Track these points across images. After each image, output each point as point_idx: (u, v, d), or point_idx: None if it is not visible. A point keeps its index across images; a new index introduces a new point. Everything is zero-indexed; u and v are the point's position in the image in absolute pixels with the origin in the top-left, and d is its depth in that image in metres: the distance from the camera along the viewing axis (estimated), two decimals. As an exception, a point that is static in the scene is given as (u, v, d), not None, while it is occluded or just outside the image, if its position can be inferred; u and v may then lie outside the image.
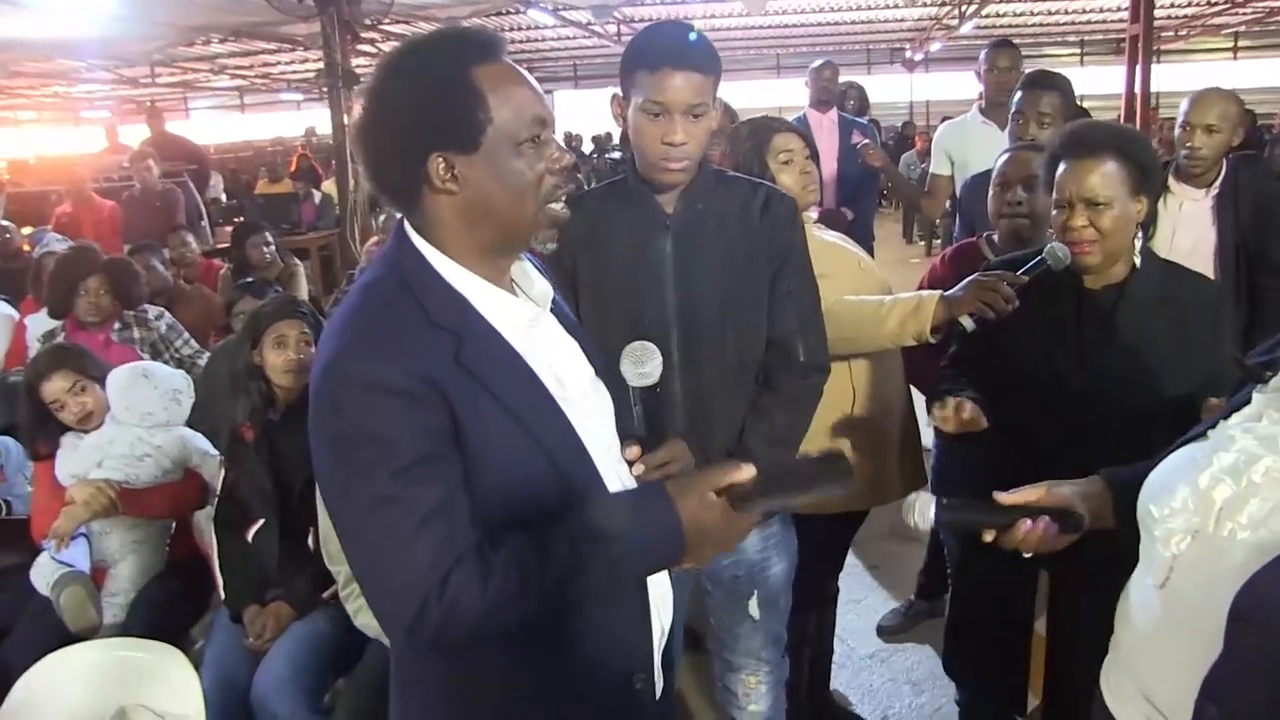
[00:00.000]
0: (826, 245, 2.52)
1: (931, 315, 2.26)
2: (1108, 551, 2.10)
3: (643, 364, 1.60)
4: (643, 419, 1.58)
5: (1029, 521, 1.52)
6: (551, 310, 1.47)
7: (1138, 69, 7.11)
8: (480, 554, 1.20)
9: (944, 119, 15.06)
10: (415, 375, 1.20)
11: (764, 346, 2.03)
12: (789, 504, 1.30)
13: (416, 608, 1.18)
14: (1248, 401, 1.29)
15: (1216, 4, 14.38)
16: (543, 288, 1.45)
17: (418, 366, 1.21)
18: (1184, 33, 16.30)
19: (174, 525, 3.13)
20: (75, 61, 12.01)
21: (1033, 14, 15.13)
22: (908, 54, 19.64)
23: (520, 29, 14.34)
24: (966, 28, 14.19)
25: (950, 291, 2.26)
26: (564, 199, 1.37)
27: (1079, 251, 2.06)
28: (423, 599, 1.18)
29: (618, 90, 1.97)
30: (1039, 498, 1.56)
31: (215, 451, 3.09)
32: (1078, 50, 18.36)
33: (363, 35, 8.40)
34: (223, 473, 2.87)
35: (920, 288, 2.76)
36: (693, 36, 1.89)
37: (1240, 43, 19.20)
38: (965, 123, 4.36)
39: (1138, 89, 7.13)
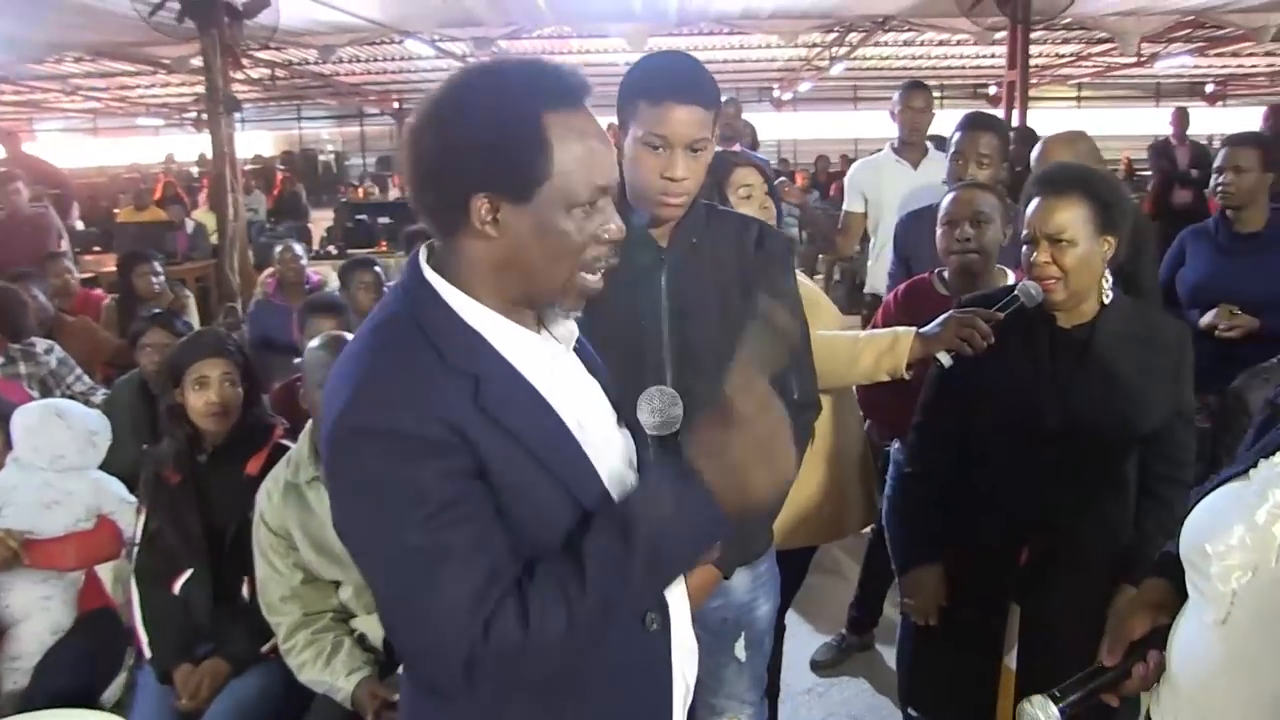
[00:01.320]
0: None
1: (908, 351, 2.26)
2: (1080, 585, 2.16)
3: (661, 413, 1.51)
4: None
5: (1142, 666, 1.44)
6: (575, 349, 1.40)
7: (1015, 111, 7.44)
8: (520, 591, 1.14)
9: (818, 157, 15.45)
10: (434, 420, 1.14)
11: None
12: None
13: (464, 659, 1.11)
14: None
15: (1065, 56, 15.21)
16: (568, 327, 1.36)
17: (436, 411, 1.14)
18: (1035, 81, 17.18)
19: (82, 578, 2.88)
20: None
21: (898, 58, 15.67)
22: (776, 93, 20.11)
23: (396, 59, 14.10)
24: (836, 69, 14.60)
25: (926, 328, 2.27)
26: (602, 272, 1.28)
27: (1044, 287, 2.10)
28: (469, 646, 1.11)
29: (614, 120, 1.91)
30: (1129, 633, 1.48)
31: (131, 497, 2.87)
32: (938, 93, 19.19)
33: (244, 58, 8.09)
34: (141, 520, 2.66)
35: (874, 326, 2.78)
36: (697, 69, 1.85)
37: (1083, 93, 20.38)
38: (878, 161, 4.45)
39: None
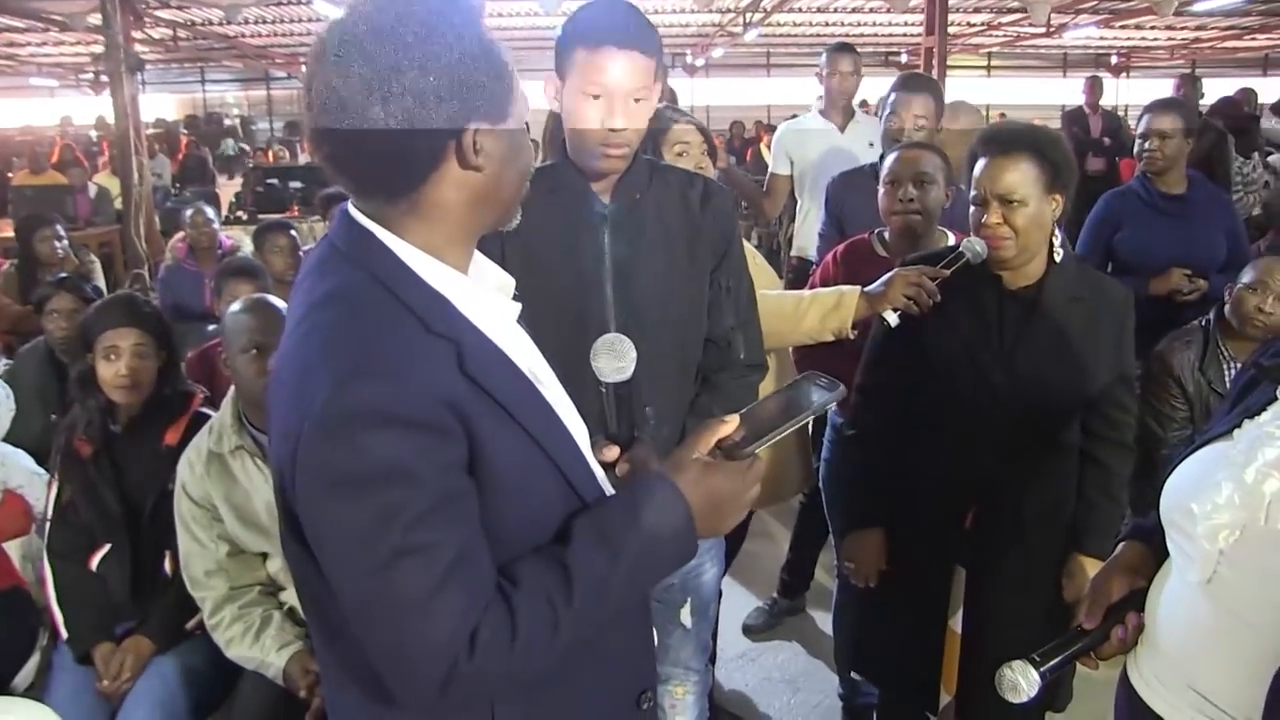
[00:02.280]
0: None
1: (853, 311, 2.25)
2: (1026, 547, 2.18)
3: (621, 357, 1.46)
4: (620, 415, 1.45)
5: (1121, 629, 1.44)
6: None
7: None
8: (505, 598, 1.06)
9: (733, 122, 15.46)
10: (433, 399, 1.05)
11: (703, 343, 1.95)
12: (786, 432, 1.23)
13: (445, 670, 1.03)
14: (1271, 400, 1.32)
15: (975, 25, 15.44)
16: (500, 278, 1.29)
17: (433, 387, 1.06)
18: (947, 50, 17.43)
19: (-11, 556, 2.74)
20: None
21: (811, 24, 15.74)
22: (689, 59, 20.05)
23: (304, 20, 13.69)
24: (750, 35, 14.60)
25: (871, 286, 2.26)
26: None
27: (994, 246, 2.09)
28: (452, 660, 1.03)
29: (552, 70, 1.84)
30: (1106, 596, 1.48)
31: (40, 470, 2.73)
32: (850, 62, 19.36)
33: (145, 17, 7.76)
34: (53, 494, 2.53)
35: (813, 287, 2.76)
36: (636, 16, 1.79)
37: (993, 62, 20.73)
38: (804, 124, 4.43)
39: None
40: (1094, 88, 7.85)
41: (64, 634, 2.43)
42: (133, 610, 2.45)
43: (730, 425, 1.21)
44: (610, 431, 1.43)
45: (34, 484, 2.71)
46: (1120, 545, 1.56)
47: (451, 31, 1.09)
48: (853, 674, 2.97)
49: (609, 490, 1.30)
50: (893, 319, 2.19)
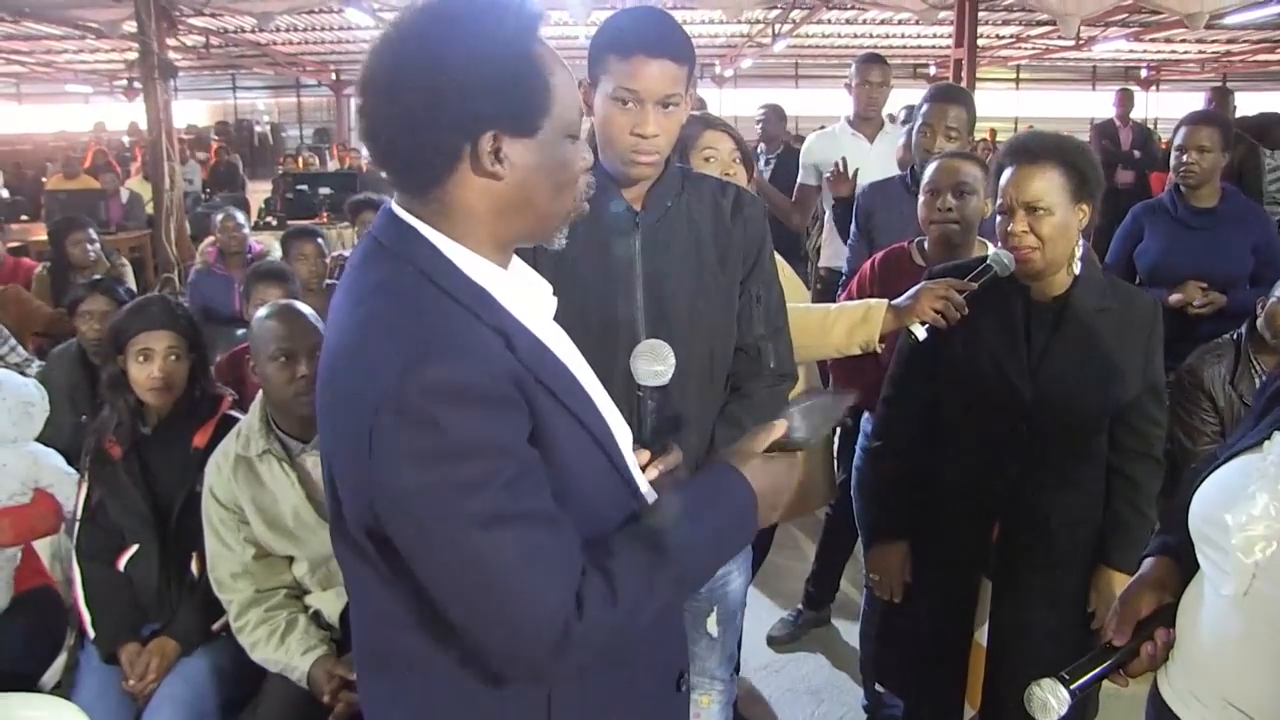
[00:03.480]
0: None
1: (881, 324, 2.24)
2: (1052, 560, 2.16)
3: (660, 361, 1.48)
4: (657, 421, 1.46)
5: (1151, 645, 1.43)
6: None
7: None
8: (600, 560, 1.10)
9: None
10: (499, 374, 1.07)
11: (734, 351, 1.95)
12: (820, 435, 1.36)
13: (558, 634, 1.05)
14: None
15: (1004, 38, 15.39)
16: (535, 279, 1.31)
17: (496, 365, 1.08)
18: (976, 62, 17.38)
19: (18, 555, 2.76)
20: None
21: (840, 36, 15.73)
22: (717, 70, 20.08)
23: (335, 29, 13.82)
24: (779, 46, 14.61)
25: (899, 300, 2.24)
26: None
27: (1020, 257, 2.08)
28: (564, 622, 1.05)
29: (584, 77, 1.85)
30: (1135, 612, 1.47)
31: (71, 470, 2.75)
32: (879, 73, 19.34)
33: (178, 24, 7.84)
34: (83, 494, 2.55)
35: (849, 295, 2.75)
36: (669, 22, 1.79)
37: (1022, 75, 20.65)
38: (834, 135, 4.43)
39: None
40: (1125, 100, 7.80)
41: (91, 633, 2.45)
42: (159, 611, 2.47)
43: (780, 429, 1.29)
44: (643, 437, 1.44)
45: (64, 483, 2.72)
46: (1147, 561, 1.55)
47: (479, 40, 1.10)
48: (877, 686, 2.95)
49: (647, 488, 1.33)
50: (920, 332, 2.18)
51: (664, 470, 1.48)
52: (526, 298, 1.23)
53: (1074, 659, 1.43)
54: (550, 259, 1.87)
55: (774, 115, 6.15)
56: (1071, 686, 1.36)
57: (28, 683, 2.56)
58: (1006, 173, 2.10)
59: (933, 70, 17.86)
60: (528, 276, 1.29)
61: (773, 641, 3.61)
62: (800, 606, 3.70)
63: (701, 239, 1.90)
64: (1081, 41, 13.85)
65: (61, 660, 2.72)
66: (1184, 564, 1.43)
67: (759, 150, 5.77)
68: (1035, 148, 2.10)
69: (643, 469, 1.40)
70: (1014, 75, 20.61)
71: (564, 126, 1.17)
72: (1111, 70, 20.13)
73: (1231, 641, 1.29)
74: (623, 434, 1.32)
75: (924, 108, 3.18)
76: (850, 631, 3.47)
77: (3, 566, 2.68)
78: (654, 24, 1.77)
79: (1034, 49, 16.34)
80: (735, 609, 2.13)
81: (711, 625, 2.09)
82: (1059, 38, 13.40)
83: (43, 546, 2.89)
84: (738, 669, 2.93)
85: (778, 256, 2.64)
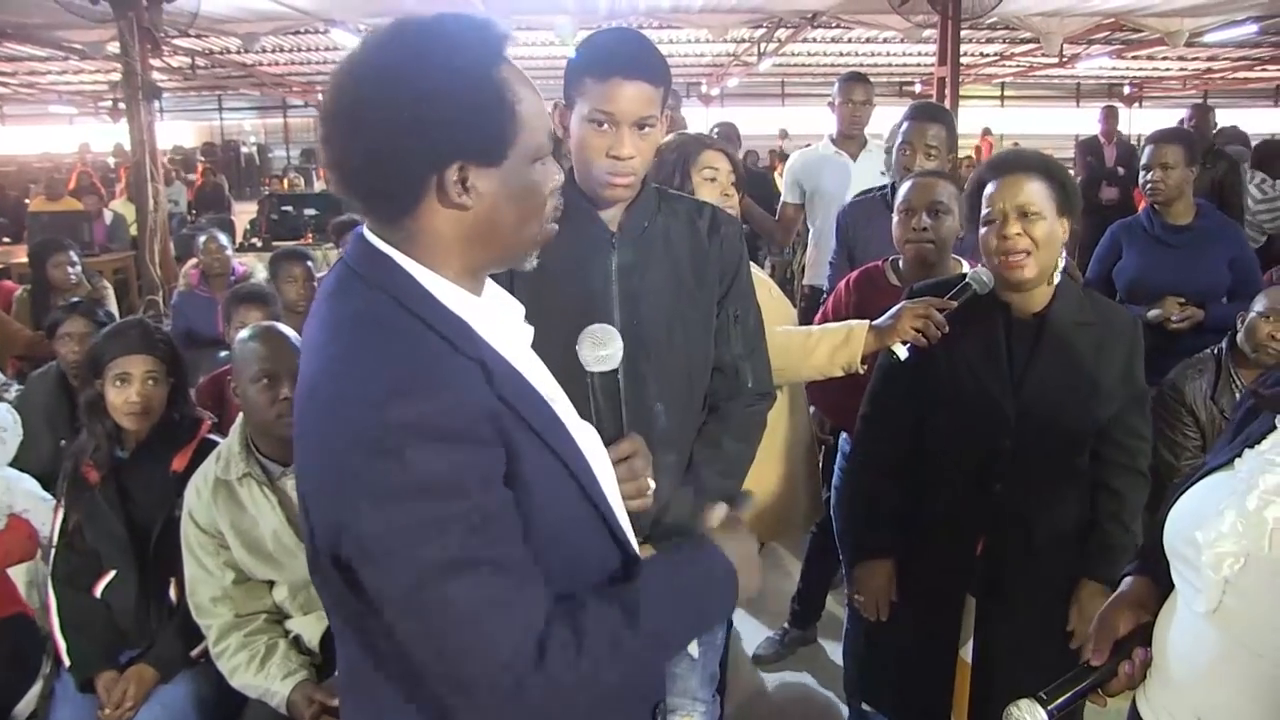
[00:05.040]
0: None
1: (863, 345, 2.23)
2: (1037, 577, 2.15)
3: (604, 345, 1.46)
4: (604, 408, 1.45)
5: (1129, 664, 1.43)
6: None
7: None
8: (570, 613, 1.07)
9: (746, 152, 15.52)
10: (473, 412, 1.05)
11: (711, 371, 1.94)
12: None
13: (511, 684, 1.02)
14: (1271, 429, 1.31)
15: (989, 56, 15.49)
16: (509, 304, 1.29)
17: (471, 401, 1.05)
18: (960, 80, 17.50)
19: (-7, 581, 2.73)
20: None
21: (826, 55, 15.80)
22: (704, 89, 20.14)
23: (321, 49, 13.82)
24: (765, 65, 14.66)
25: (880, 320, 2.24)
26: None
27: (1013, 264, 2.06)
28: (518, 675, 1.02)
29: (560, 98, 1.84)
30: (1113, 631, 1.47)
31: (47, 495, 2.72)
32: (863, 91, 19.47)
33: (163, 45, 7.83)
34: (59, 519, 2.52)
35: (825, 315, 2.75)
36: (645, 45, 1.79)
37: (1007, 92, 20.80)
38: (817, 153, 4.44)
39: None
40: (1109, 117, 7.84)
41: (66, 661, 2.41)
42: (137, 637, 2.44)
43: (723, 510, 1.35)
44: (596, 424, 1.42)
45: (39, 509, 2.70)
46: (1126, 580, 1.55)
47: (442, 70, 1.08)
48: (863, 704, 2.93)
49: (628, 526, 1.32)
50: (902, 352, 2.17)
51: (619, 458, 1.47)
52: (503, 326, 1.21)
53: (1061, 675, 1.43)
54: (527, 281, 1.85)
55: (727, 135, 6.12)
56: (1049, 707, 1.36)
57: (2, 713, 2.53)
58: (991, 185, 2.10)
59: (918, 89, 17.93)
60: (502, 300, 1.28)
61: (759, 660, 3.60)
62: (786, 625, 3.68)
63: (678, 259, 1.89)
64: (1065, 59, 13.95)
65: (37, 689, 2.68)
66: (1162, 582, 1.43)
67: None
68: (1020, 161, 2.12)
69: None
70: (999, 93, 20.76)
71: (531, 151, 1.15)
72: (1095, 87, 20.29)
73: (1204, 658, 1.29)
74: (604, 470, 1.30)
75: (904, 125, 3.20)
76: (837, 650, 3.44)
77: (-24, 593, 2.65)
78: (630, 46, 1.77)
79: (1018, 66, 16.47)
80: (716, 630, 2.11)
81: (693, 646, 2.07)
82: (1043, 55, 13.49)
83: (18, 573, 2.86)
84: (722, 689, 2.92)
85: (764, 276, 2.65)
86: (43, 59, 13.06)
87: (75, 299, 3.86)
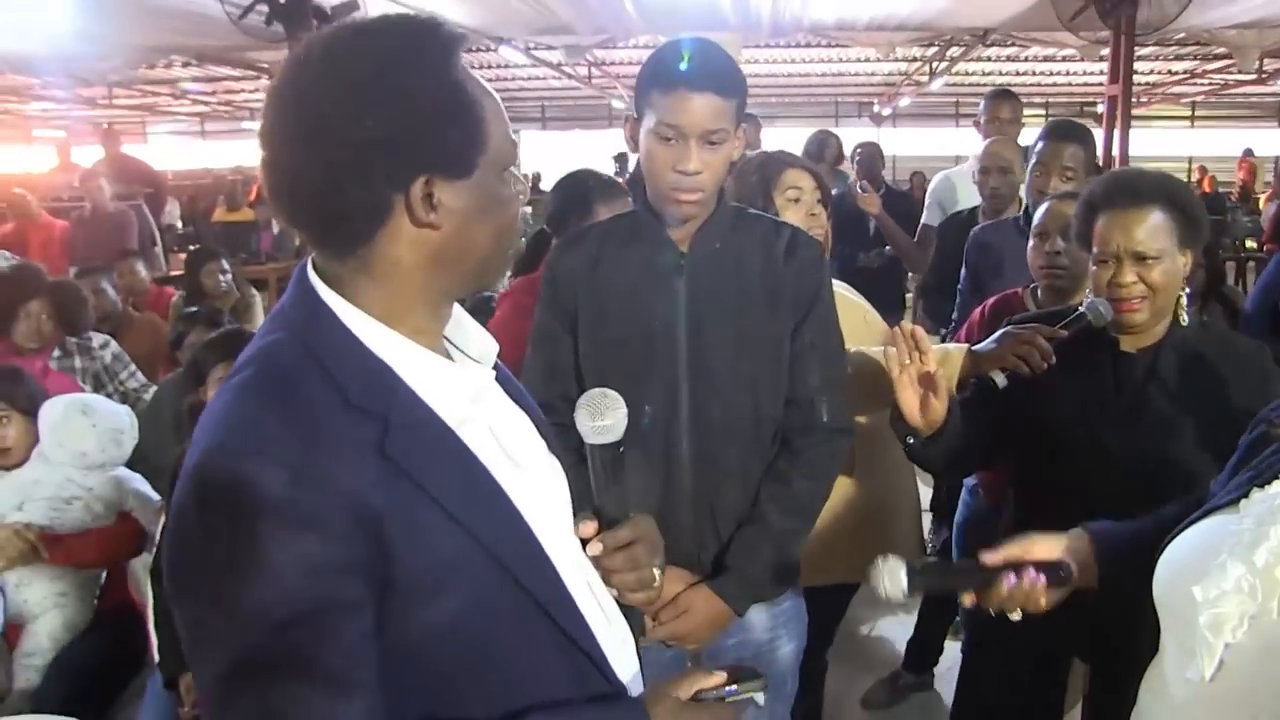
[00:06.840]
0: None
1: (958, 369, 2.07)
2: (1151, 640, 1.93)
3: (601, 415, 1.23)
4: (607, 485, 1.25)
5: (1012, 576, 1.39)
6: (495, 374, 1.20)
7: (1116, 130, 7.07)
8: None
9: (914, 173, 15.13)
10: (316, 485, 0.90)
11: (783, 404, 1.82)
12: (754, 691, 1.23)
13: None
14: None
15: (1177, 74, 14.63)
16: (483, 343, 1.16)
17: (327, 476, 0.91)
18: (1145, 100, 16.56)
19: (104, 575, 2.83)
20: (29, 78, 11.65)
21: (1000, 74, 15.24)
22: (875, 108, 19.76)
23: (490, 67, 14.19)
24: (936, 84, 14.26)
25: (981, 345, 2.08)
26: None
27: (1126, 309, 1.89)
28: None
29: (632, 112, 1.77)
30: (1023, 552, 1.45)
31: (155, 495, 2.81)
32: (1043, 111, 18.61)
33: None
34: (163, 519, 2.60)
35: (960, 340, 2.60)
36: (715, 54, 1.70)
37: (1197, 112, 19.57)
38: (961, 174, 4.24)
39: (1116, 149, 7.09)
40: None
41: (156, 657, 2.47)
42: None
43: (715, 679, 1.17)
44: (596, 502, 1.28)
45: (146, 508, 2.79)
46: (1078, 530, 1.48)
47: (400, 74, 0.97)
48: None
49: (574, 585, 1.13)
50: (1000, 380, 1.99)
51: (616, 546, 1.24)
52: (442, 374, 1.06)
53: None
54: (594, 299, 1.80)
55: (871, 154, 5.92)
56: (914, 575, 1.36)
57: (104, 703, 2.61)
58: (1103, 218, 1.91)
59: (1100, 109, 17.12)
60: (475, 341, 1.16)
61: (868, 704, 3.42)
62: (900, 668, 3.49)
63: (749, 282, 1.79)
64: (1264, 76, 13.01)
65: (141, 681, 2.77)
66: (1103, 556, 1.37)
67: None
68: (1137, 189, 1.90)
69: (584, 543, 1.22)
70: (1189, 113, 19.56)
71: (499, 160, 1.05)
72: (1301, 105, 18.88)
73: None
74: (566, 556, 1.14)
75: (1039, 145, 2.98)
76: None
77: (84, 586, 2.75)
78: (699, 56, 1.68)
79: (1210, 84, 15.48)
80: (784, 676, 1.98)
81: (758, 695, 1.95)
82: (1238, 72, 12.63)
83: (139, 568, 2.96)
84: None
85: (862, 302, 2.51)
86: (237, 78, 13.85)
87: (203, 307, 4.02)
